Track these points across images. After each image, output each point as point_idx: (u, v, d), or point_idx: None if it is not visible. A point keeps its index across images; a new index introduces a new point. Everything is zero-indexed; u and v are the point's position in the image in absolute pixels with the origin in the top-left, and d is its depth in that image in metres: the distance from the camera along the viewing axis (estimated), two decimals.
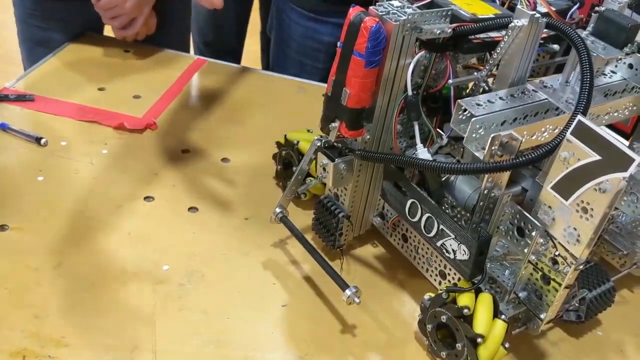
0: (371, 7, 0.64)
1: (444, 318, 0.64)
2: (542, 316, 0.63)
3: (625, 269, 0.78)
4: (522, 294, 0.65)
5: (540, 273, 0.62)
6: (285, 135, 0.87)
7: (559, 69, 0.78)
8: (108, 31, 1.22)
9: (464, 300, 0.63)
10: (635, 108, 0.71)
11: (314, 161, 0.75)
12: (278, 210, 0.77)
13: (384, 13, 0.63)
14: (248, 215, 0.84)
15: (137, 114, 1.01)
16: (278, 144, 0.88)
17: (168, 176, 0.90)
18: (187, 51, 1.32)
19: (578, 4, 0.74)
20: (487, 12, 0.70)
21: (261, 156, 0.94)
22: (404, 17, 0.63)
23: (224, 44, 1.60)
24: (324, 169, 0.72)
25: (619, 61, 0.70)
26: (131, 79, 1.10)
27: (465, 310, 0.62)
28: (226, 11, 1.61)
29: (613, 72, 0.72)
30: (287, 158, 0.86)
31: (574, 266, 0.58)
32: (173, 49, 1.21)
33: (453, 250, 0.65)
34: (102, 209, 0.82)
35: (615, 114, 0.69)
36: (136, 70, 1.13)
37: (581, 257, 0.57)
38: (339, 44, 0.66)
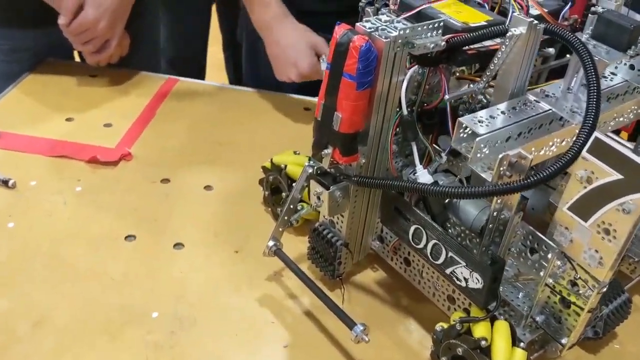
0: (358, 24, 0.59)
1: (459, 351, 0.60)
2: (563, 341, 0.59)
3: (637, 275, 0.75)
4: (539, 318, 0.61)
5: (558, 296, 0.58)
6: (272, 160, 0.82)
7: (552, 72, 0.75)
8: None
9: (480, 330, 0.59)
10: (639, 111, 0.67)
11: (306, 187, 0.70)
12: (271, 243, 0.72)
13: (372, 30, 0.59)
14: (238, 247, 0.79)
15: (110, 144, 0.95)
16: (264, 168, 0.83)
17: (149, 210, 0.84)
18: (159, 70, 1.26)
19: (570, 4, 0.70)
20: (479, 19, 0.66)
21: (246, 179, 0.88)
22: (395, 33, 0.58)
23: (187, 59, 1.55)
24: (319, 198, 0.67)
25: (620, 62, 0.67)
26: (101, 106, 1.04)
27: (483, 342, 0.58)
28: (186, 26, 1.57)
29: (613, 73, 0.68)
30: (275, 183, 0.81)
31: (597, 289, 0.54)
32: (145, 68, 1.15)
33: (464, 278, 0.60)
34: (81, 253, 0.77)
35: (621, 119, 0.66)
36: (105, 96, 1.07)
37: (604, 280, 0.54)
38: (325, 65, 0.61)
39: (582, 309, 0.56)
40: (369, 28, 0.59)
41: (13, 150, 0.92)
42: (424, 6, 0.65)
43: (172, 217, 0.83)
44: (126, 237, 0.80)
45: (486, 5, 0.69)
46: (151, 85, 1.10)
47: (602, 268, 0.53)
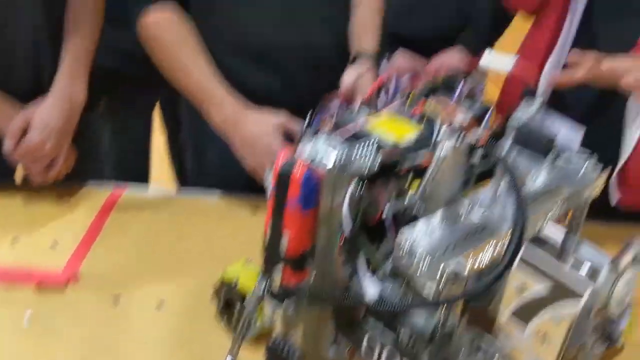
0: (297, 152, 0.63)
1: None
2: None
3: None
4: None
5: None
6: (222, 277, 0.83)
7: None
8: None
9: None
10: (569, 202, 0.72)
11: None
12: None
13: (311, 159, 0.62)
14: None
15: (57, 265, 0.95)
16: (216, 286, 0.84)
17: (100, 337, 0.83)
18: (104, 177, 1.27)
19: (491, 110, 0.76)
20: (407, 132, 0.70)
21: (199, 292, 0.88)
22: (333, 160, 0.62)
23: (131, 163, 1.57)
24: (272, 314, 0.69)
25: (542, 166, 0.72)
26: (47, 225, 1.04)
27: None
28: (130, 131, 1.59)
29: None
30: (228, 297, 0.82)
31: None
32: (91, 179, 1.16)
33: None
34: None
35: (550, 214, 0.71)
36: (51, 214, 1.07)
37: None
38: (269, 189, 0.64)
39: None
40: (308, 156, 0.63)
41: None
42: (357, 128, 0.69)
43: (124, 343, 0.83)
44: None
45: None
46: (97, 198, 1.11)
47: None
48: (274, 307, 0.68)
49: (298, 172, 0.61)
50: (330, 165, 0.62)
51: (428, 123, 0.73)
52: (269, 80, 1.10)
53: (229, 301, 0.83)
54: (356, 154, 0.64)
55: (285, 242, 0.63)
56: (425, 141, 0.67)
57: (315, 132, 0.72)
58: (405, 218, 0.71)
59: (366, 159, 0.64)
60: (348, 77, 1.01)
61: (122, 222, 1.07)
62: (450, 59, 1.26)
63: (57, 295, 0.90)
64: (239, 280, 0.81)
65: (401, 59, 1.30)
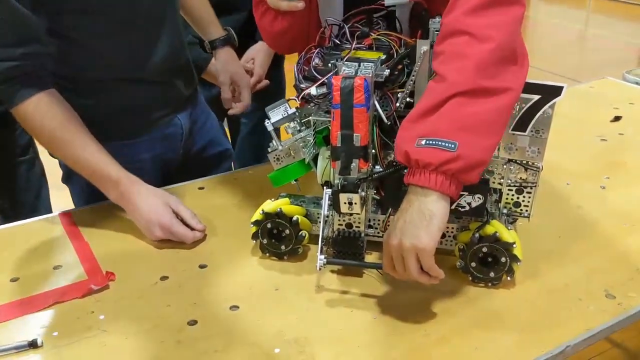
0: (339, 75, 0.87)
1: (484, 249, 0.91)
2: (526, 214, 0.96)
3: None
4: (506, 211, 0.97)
5: (514, 189, 0.94)
6: (263, 211, 0.99)
7: None
8: None
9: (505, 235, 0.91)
10: None
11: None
12: (322, 257, 0.92)
13: (354, 72, 0.87)
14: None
15: (78, 279, 0.98)
16: (257, 222, 1.00)
17: (186, 302, 0.93)
18: None
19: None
20: (377, 55, 0.98)
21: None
22: (370, 71, 0.87)
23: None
24: (350, 203, 0.90)
25: None
26: (35, 257, 1.04)
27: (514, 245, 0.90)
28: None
29: None
30: (275, 227, 0.99)
31: (539, 170, 0.92)
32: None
33: (468, 203, 0.91)
34: None
35: None
36: (27, 250, 1.06)
37: (542, 163, 0.91)
38: (333, 106, 0.86)
39: (534, 185, 0.93)
40: (351, 72, 0.87)
41: None
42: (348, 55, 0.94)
43: (204, 305, 0.94)
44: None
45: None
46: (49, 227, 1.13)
47: (540, 155, 0.90)
48: (352, 196, 0.89)
49: (359, 80, 0.84)
50: (370, 74, 0.87)
51: (383, 48, 1.01)
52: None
53: (276, 233, 1.00)
54: (378, 66, 0.90)
55: (358, 138, 0.86)
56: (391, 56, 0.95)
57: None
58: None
59: (381, 68, 0.91)
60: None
61: (94, 221, 1.13)
62: None
63: (110, 295, 0.95)
64: (282, 208, 0.99)
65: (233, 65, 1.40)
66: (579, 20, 6.68)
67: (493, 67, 0.82)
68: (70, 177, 1.24)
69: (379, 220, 0.99)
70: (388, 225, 0.99)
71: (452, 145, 0.80)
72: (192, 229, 1.06)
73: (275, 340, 0.85)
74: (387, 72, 0.91)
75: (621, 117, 1.53)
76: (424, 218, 0.82)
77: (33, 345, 0.84)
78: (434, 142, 0.81)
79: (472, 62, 0.82)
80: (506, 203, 0.97)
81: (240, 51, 1.44)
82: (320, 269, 0.92)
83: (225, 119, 1.76)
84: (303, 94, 0.95)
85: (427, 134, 0.82)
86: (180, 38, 1.24)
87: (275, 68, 1.61)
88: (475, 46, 0.82)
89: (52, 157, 1.18)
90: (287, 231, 0.99)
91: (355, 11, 1.04)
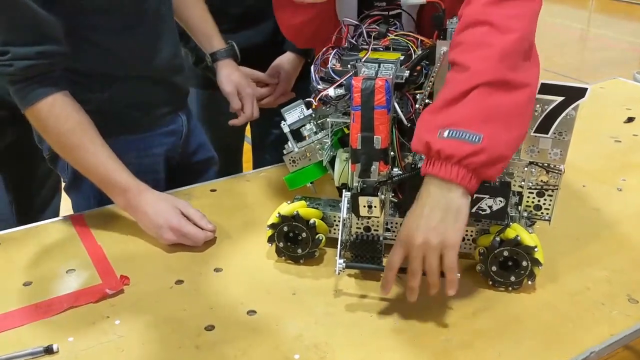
0: (359, 76, 0.85)
1: (505, 253, 0.90)
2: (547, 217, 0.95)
3: None
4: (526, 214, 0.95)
5: (536, 191, 0.93)
6: (279, 214, 0.98)
7: None
8: None
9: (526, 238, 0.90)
10: None
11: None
12: (341, 261, 0.90)
13: (374, 74, 0.85)
14: None
15: (92, 283, 0.97)
16: (273, 222, 0.98)
17: (200, 303, 0.92)
18: None
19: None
20: (395, 56, 0.97)
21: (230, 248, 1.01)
22: (390, 72, 0.86)
23: None
24: (370, 207, 0.89)
25: None
26: (48, 261, 1.03)
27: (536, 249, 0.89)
28: None
29: None
30: (291, 231, 0.98)
31: (561, 173, 0.90)
32: None
33: (489, 206, 0.90)
34: None
35: None
36: (41, 254, 1.05)
37: (564, 166, 0.90)
38: (353, 108, 0.84)
39: (555, 188, 0.92)
40: (370, 73, 0.86)
41: None
42: (366, 56, 0.93)
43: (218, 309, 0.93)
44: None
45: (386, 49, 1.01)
46: (63, 228, 1.11)
47: (562, 157, 0.89)
48: (372, 199, 0.88)
49: (380, 82, 0.83)
50: (391, 75, 0.86)
51: (399, 49, 1.00)
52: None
53: (292, 236, 0.98)
54: (397, 68, 0.89)
55: (379, 140, 0.85)
56: (409, 57, 0.94)
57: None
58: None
59: (401, 70, 0.90)
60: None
61: (105, 223, 1.12)
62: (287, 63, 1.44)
63: (125, 299, 0.93)
64: (299, 211, 0.97)
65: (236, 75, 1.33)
66: (581, 20, 6.68)
67: (516, 59, 0.81)
68: (72, 187, 1.23)
69: (396, 223, 0.98)
70: None
71: (477, 138, 0.79)
72: (203, 230, 1.05)
73: (295, 345, 0.83)
74: (407, 73, 0.90)
75: (634, 118, 1.52)
76: (451, 214, 0.80)
77: (49, 351, 0.83)
78: (457, 134, 0.80)
79: (496, 51, 0.81)
80: (527, 206, 0.95)
81: (268, 61, 1.43)
82: (339, 273, 0.91)
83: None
84: (320, 95, 0.94)
85: (450, 125, 0.81)
86: (177, 37, 1.24)
87: (301, 80, 1.53)
88: (497, 36, 0.81)
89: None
90: (304, 234, 0.98)
91: (373, 12, 1.03)
